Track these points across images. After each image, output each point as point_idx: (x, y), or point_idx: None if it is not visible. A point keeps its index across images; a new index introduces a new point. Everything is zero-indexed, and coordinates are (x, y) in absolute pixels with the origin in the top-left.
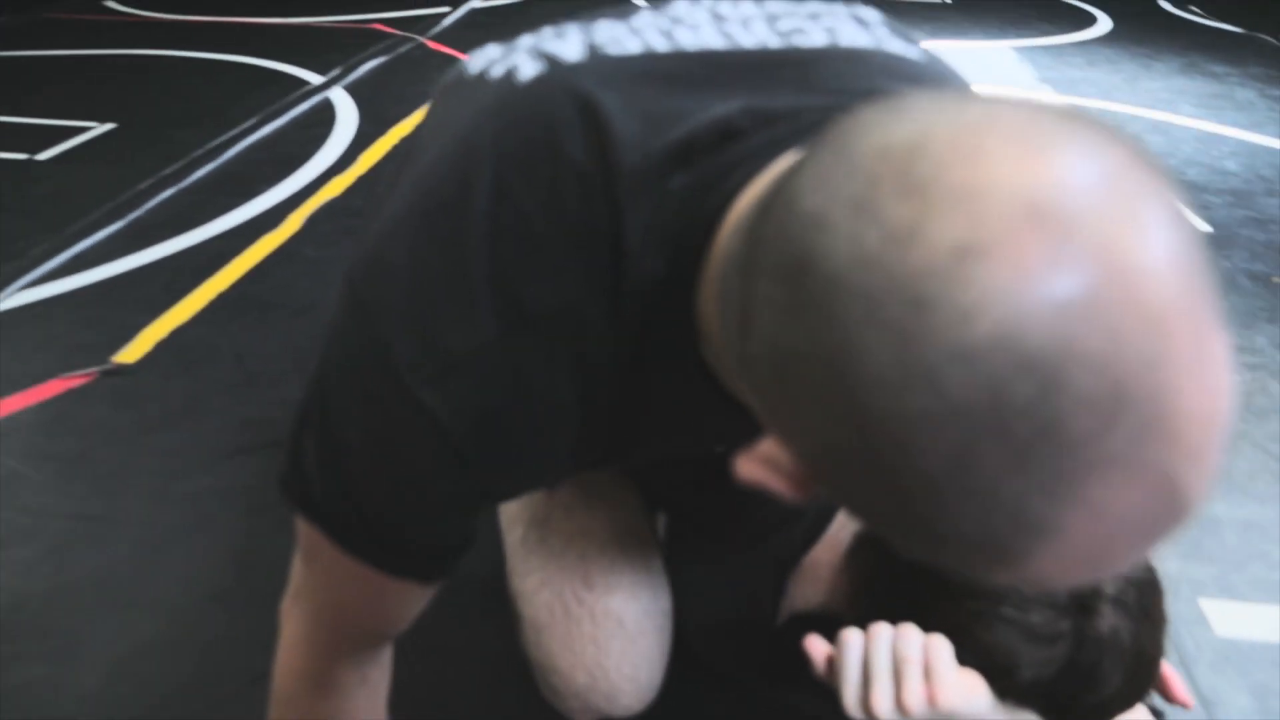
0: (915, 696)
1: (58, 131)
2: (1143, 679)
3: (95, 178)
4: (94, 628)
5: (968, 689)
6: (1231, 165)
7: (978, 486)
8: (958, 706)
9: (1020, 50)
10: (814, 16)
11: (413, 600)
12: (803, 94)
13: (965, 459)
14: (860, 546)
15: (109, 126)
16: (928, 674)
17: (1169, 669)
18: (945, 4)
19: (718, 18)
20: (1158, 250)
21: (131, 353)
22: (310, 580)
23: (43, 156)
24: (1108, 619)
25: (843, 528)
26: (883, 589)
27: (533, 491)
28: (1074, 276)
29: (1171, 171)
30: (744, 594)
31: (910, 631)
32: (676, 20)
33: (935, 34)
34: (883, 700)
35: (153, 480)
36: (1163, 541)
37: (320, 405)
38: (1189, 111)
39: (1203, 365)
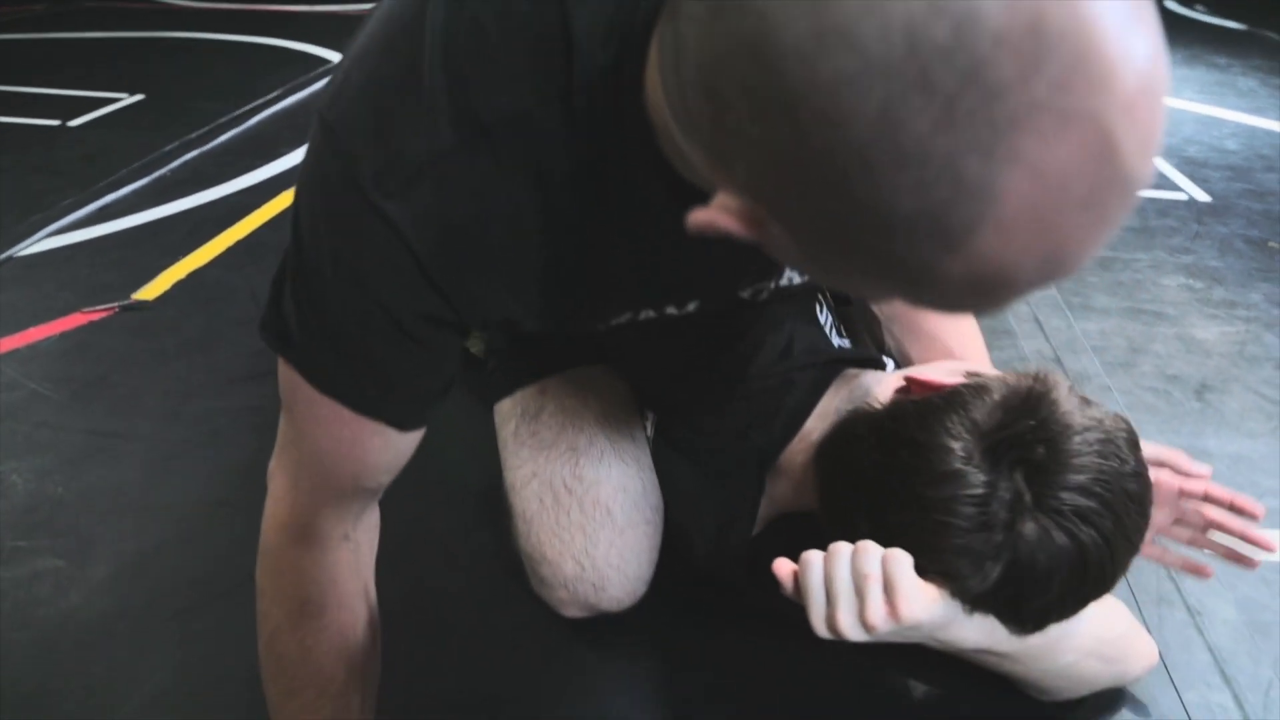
0: (878, 613)
1: (88, 102)
2: (1096, 580)
3: (123, 142)
4: (105, 529)
5: (928, 600)
6: (1232, 145)
7: (909, 150)
8: (920, 619)
9: None
10: None
11: (390, 449)
12: None
13: (892, 119)
14: (826, 444)
15: (138, 98)
16: (888, 589)
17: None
18: None
19: None
20: None
21: (151, 291)
22: (291, 430)
23: (74, 123)
24: (1032, 528)
25: (815, 429)
26: (843, 487)
27: (502, 328)
28: None
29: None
30: (727, 490)
31: (869, 548)
32: None
33: None
34: (846, 618)
35: (165, 402)
36: (1112, 218)
37: (295, 239)
38: (1191, 97)
39: (1125, 12)
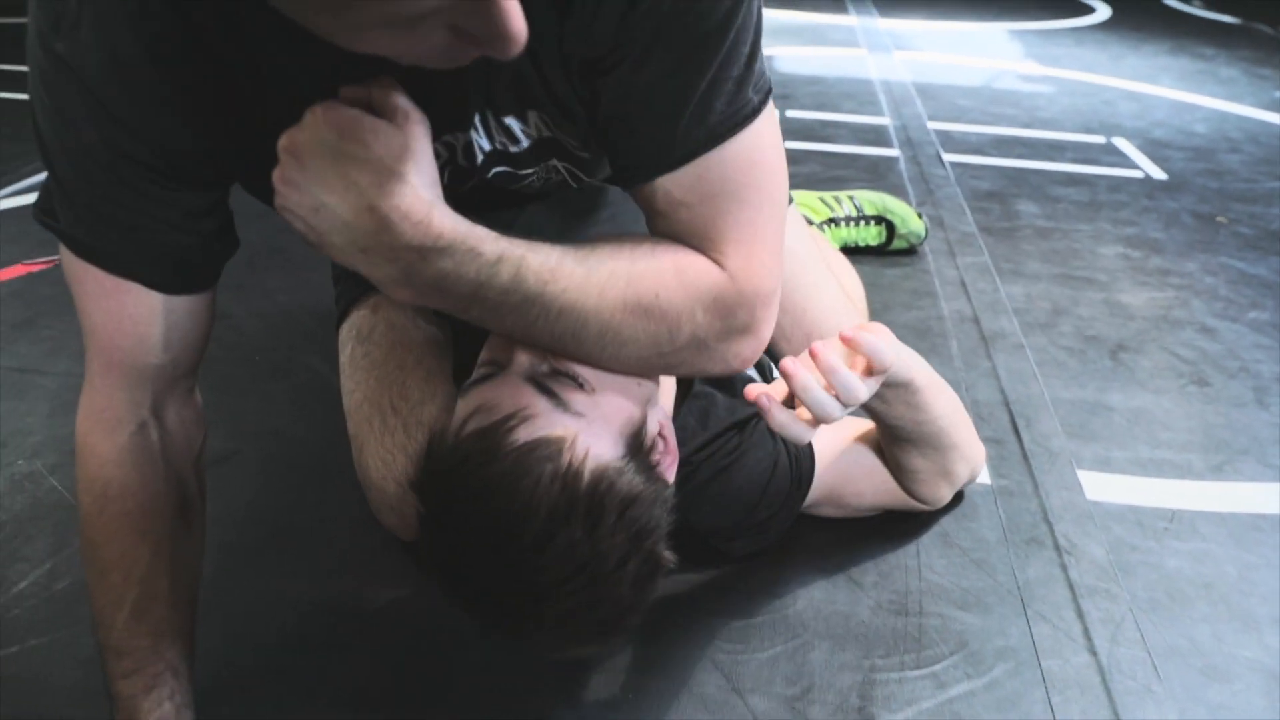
0: (865, 388)
1: None
2: None
3: None
4: (6, 452)
5: (891, 345)
6: (1200, 129)
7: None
8: (896, 360)
9: (1012, 32)
10: None
11: (157, 317)
12: None
13: None
14: None
15: None
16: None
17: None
18: None
19: None
20: None
21: None
22: (78, 313)
23: None
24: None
25: None
26: None
27: (207, 170)
28: None
29: None
30: None
31: (825, 349)
32: None
33: (929, 16)
34: (851, 394)
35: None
36: None
37: (31, 113)
38: (1168, 84)
39: None
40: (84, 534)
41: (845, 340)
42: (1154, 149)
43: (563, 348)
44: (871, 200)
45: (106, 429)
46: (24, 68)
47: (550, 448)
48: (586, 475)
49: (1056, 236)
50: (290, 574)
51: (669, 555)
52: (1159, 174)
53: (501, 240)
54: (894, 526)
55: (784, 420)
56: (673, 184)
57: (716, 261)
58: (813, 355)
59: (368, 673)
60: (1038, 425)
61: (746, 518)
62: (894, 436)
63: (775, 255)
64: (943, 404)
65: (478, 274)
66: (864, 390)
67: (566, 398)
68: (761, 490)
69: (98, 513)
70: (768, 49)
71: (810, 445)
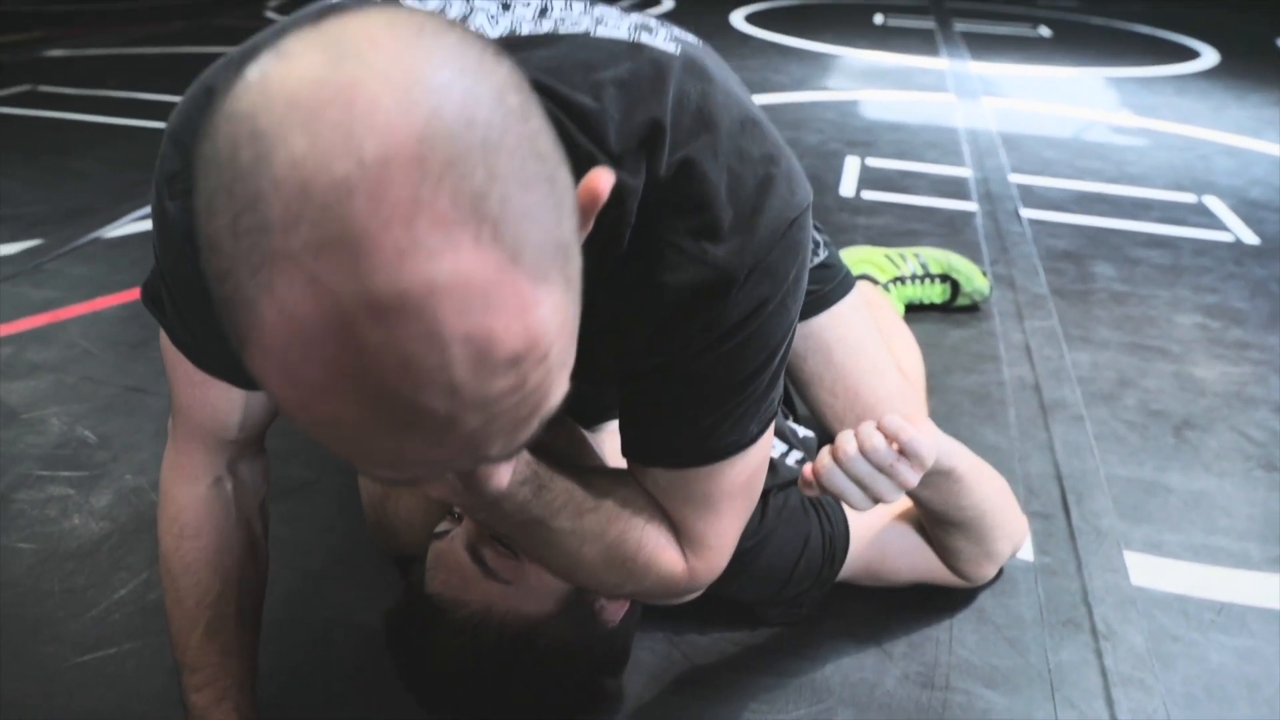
0: (911, 478)
1: None
2: None
3: None
4: (114, 467)
5: (931, 440)
6: None
7: (213, 238)
8: (933, 456)
9: (1110, 79)
10: (594, 16)
11: (233, 405)
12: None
13: (210, 207)
14: None
15: None
16: (906, 454)
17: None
18: (1043, 38)
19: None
20: (405, 123)
21: None
22: (168, 382)
23: None
24: None
25: None
26: None
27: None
28: (319, 88)
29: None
30: None
31: (869, 433)
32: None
33: (1024, 60)
34: (887, 494)
35: None
36: (373, 412)
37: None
38: (1273, 138)
39: (398, 241)
40: (163, 566)
41: (886, 433)
42: (1248, 210)
43: (532, 553)
44: (937, 258)
45: (185, 480)
46: (165, 97)
47: (468, 610)
48: (496, 635)
49: (1132, 302)
50: (354, 601)
51: (612, 682)
52: (1251, 238)
53: (533, 464)
54: (929, 598)
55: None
56: (661, 476)
57: (683, 551)
58: (859, 446)
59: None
60: (1089, 502)
61: (777, 593)
62: (936, 520)
63: (733, 545)
64: (986, 490)
65: (509, 482)
66: (898, 493)
67: (495, 566)
68: (792, 567)
69: (175, 549)
70: (856, 92)
71: (845, 522)
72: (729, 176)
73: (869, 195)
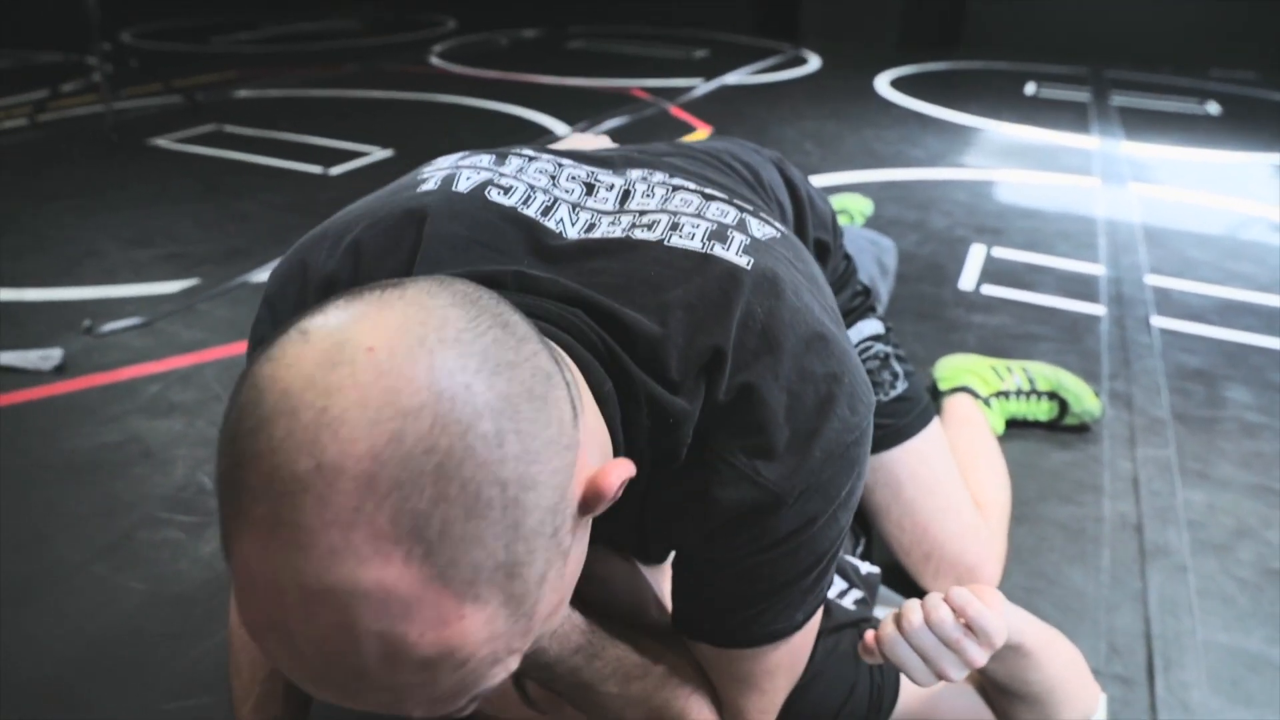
0: (980, 657)
1: (349, 153)
2: None
3: (369, 190)
4: None
5: (1001, 621)
6: None
7: (219, 464)
8: (1003, 637)
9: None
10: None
11: None
12: (567, 272)
13: (222, 443)
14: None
15: (388, 153)
16: (975, 632)
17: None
18: (1210, 115)
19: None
20: (366, 439)
21: None
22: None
23: (334, 171)
24: None
25: None
26: None
27: None
28: (307, 386)
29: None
30: None
31: (936, 607)
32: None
33: (1183, 141)
34: (952, 671)
35: None
36: (324, 677)
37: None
38: None
39: (333, 542)
40: (229, 636)
41: (953, 606)
42: None
43: (579, 708)
44: (1045, 374)
45: None
46: (328, 141)
47: None
48: None
49: (1266, 436)
50: None
51: None
52: None
53: (587, 633)
54: None
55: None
56: (706, 651)
57: None
58: (925, 618)
59: None
60: (1178, 671)
61: None
62: (999, 690)
63: (773, 717)
64: (1058, 665)
65: (559, 654)
66: (963, 670)
67: (536, 697)
68: (834, 713)
69: (237, 626)
70: (993, 171)
71: (897, 673)
72: (788, 397)
73: (989, 290)
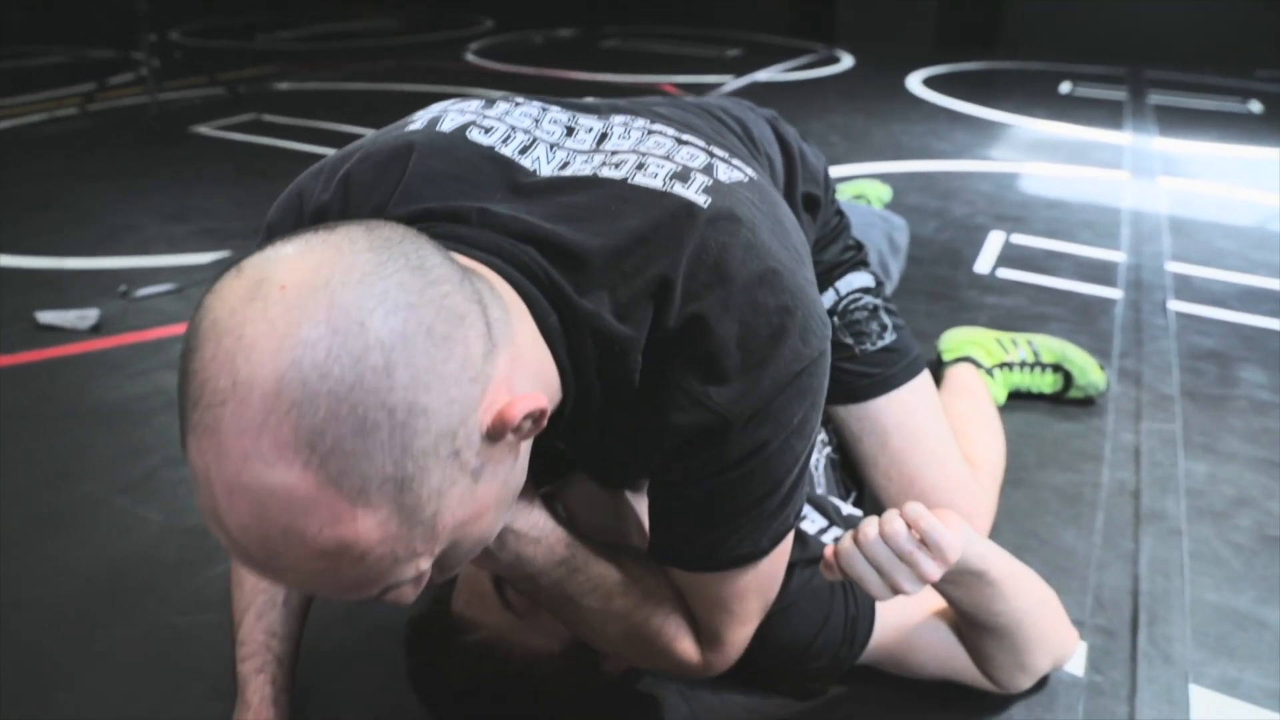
0: (933, 571)
1: None
2: None
3: None
4: None
5: (958, 536)
6: None
7: (178, 401)
8: (958, 552)
9: None
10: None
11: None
12: (532, 207)
13: (181, 353)
14: None
15: None
16: (930, 547)
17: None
18: (1251, 114)
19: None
20: (272, 363)
21: None
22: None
23: None
24: None
25: None
26: None
27: None
28: (230, 315)
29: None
30: None
31: (893, 522)
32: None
33: (1219, 138)
34: (906, 584)
35: None
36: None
37: None
38: None
39: (245, 448)
40: (233, 559)
41: (907, 520)
42: None
43: (560, 619)
44: (1050, 347)
45: None
46: (362, 129)
47: (480, 633)
48: (501, 661)
49: (1276, 414)
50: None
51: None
52: None
53: (571, 546)
54: (959, 701)
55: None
56: (679, 576)
57: (700, 644)
58: (880, 530)
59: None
60: (1163, 625)
61: (792, 667)
62: (968, 621)
63: (745, 642)
64: (1027, 601)
65: (543, 565)
66: (918, 585)
67: (514, 601)
68: (809, 643)
69: None
70: (1019, 165)
71: (872, 607)
72: (740, 328)
73: (1005, 274)
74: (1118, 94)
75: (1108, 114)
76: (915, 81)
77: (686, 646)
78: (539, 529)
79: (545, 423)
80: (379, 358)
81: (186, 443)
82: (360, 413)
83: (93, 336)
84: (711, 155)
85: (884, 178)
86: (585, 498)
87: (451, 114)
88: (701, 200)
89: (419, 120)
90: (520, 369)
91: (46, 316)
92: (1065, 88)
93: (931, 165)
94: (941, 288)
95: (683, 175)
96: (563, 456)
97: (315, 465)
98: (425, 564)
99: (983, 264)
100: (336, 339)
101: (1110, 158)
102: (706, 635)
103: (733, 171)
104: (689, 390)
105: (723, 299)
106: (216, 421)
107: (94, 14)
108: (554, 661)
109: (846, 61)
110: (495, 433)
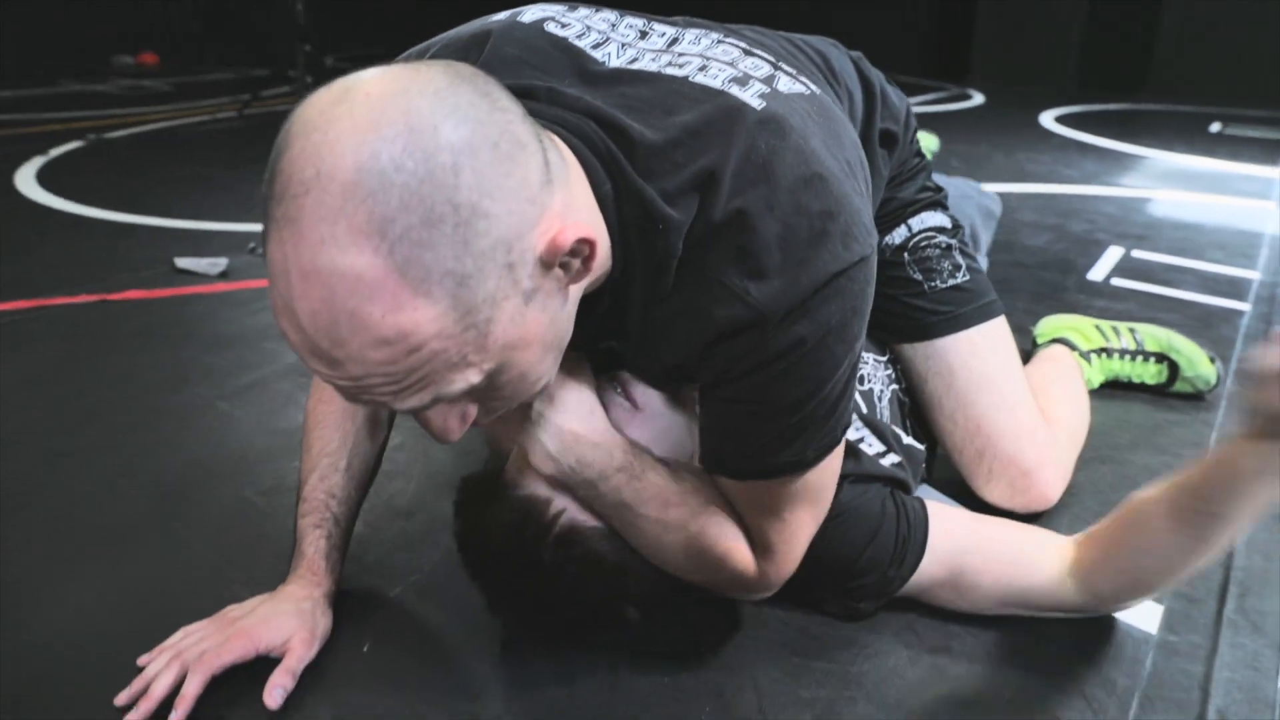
0: None
1: None
2: None
3: None
4: None
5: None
6: None
7: (263, 202)
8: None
9: None
10: (710, 62)
11: None
12: (597, 93)
13: (264, 181)
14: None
15: None
16: None
17: None
18: None
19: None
20: (353, 155)
21: None
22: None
23: None
24: None
25: None
26: None
27: None
28: (319, 115)
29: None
30: None
31: None
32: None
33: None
34: None
35: None
36: (312, 337)
37: None
38: None
39: (322, 233)
40: (305, 420)
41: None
42: None
43: (619, 528)
44: (1156, 335)
45: (324, 391)
46: None
47: (527, 493)
48: (544, 524)
49: None
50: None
51: (634, 614)
52: None
53: (630, 454)
54: (1017, 654)
55: None
56: (730, 485)
57: (755, 555)
58: None
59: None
60: (1255, 599)
61: (838, 581)
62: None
63: (800, 552)
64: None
65: (603, 470)
66: None
67: None
68: (856, 556)
69: (314, 408)
70: (1152, 191)
71: (925, 531)
72: (782, 227)
73: (1119, 282)
74: (1273, 134)
75: (1259, 150)
76: (1048, 118)
77: (743, 557)
78: (599, 433)
79: (594, 265)
80: (449, 158)
81: (268, 239)
82: (429, 205)
83: (221, 280)
84: (777, 69)
85: (1000, 194)
86: (648, 407)
87: (534, 9)
88: (756, 104)
89: (503, 14)
90: (573, 215)
91: (183, 261)
92: (1215, 127)
93: (1053, 188)
94: (1048, 290)
95: (741, 80)
96: (619, 358)
97: (385, 251)
98: (475, 377)
99: (1096, 273)
100: (412, 137)
101: (1258, 189)
102: (760, 545)
103: (794, 84)
104: (729, 284)
105: (767, 197)
106: (299, 211)
107: (257, 38)
108: (596, 535)
109: (977, 99)
110: (548, 259)
